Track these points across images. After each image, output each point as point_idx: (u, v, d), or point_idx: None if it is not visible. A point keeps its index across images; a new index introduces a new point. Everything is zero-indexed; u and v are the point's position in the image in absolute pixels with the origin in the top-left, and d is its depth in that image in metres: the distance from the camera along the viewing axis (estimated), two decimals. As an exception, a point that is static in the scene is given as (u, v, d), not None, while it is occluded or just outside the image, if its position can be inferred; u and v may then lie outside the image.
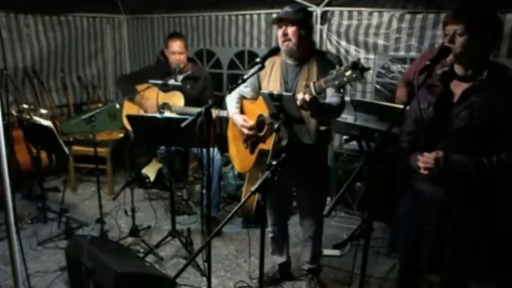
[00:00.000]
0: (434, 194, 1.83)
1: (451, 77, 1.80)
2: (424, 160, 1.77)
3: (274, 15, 2.32)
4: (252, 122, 2.43)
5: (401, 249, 2.04)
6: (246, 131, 2.44)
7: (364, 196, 3.51)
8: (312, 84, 1.99)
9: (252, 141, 2.50)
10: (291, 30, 2.19)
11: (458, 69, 1.78)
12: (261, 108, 2.36)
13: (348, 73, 1.77)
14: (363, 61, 3.76)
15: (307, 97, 1.95)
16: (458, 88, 1.77)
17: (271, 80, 2.37)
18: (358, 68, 1.74)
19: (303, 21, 2.22)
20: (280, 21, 2.22)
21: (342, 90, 2.22)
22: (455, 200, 1.80)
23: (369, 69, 1.82)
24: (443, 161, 1.72)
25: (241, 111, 2.58)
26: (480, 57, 1.72)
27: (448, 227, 1.83)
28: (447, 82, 1.81)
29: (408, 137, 1.95)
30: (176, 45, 3.43)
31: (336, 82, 1.84)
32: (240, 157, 2.66)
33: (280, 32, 2.23)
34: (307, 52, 2.30)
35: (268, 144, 2.35)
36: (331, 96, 2.22)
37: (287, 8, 2.21)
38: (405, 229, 1.98)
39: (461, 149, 1.73)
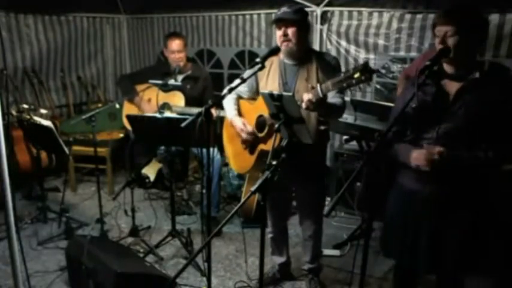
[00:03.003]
0: (427, 193, 1.83)
1: (440, 76, 1.81)
2: (428, 152, 1.74)
3: (274, 15, 2.34)
4: (250, 128, 2.44)
5: (395, 251, 2.03)
6: (244, 135, 2.45)
7: (361, 196, 3.51)
8: (318, 86, 2.00)
9: (251, 141, 2.49)
10: (291, 30, 2.20)
11: (448, 69, 1.79)
12: (259, 109, 2.36)
13: (357, 75, 1.78)
14: (363, 61, 3.79)
15: (313, 98, 1.97)
16: (451, 87, 1.78)
17: (270, 80, 2.38)
18: (368, 71, 1.74)
19: (302, 21, 2.24)
20: (280, 22, 2.22)
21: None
22: (450, 198, 1.80)
23: (378, 71, 1.84)
24: (446, 154, 1.72)
25: (239, 112, 2.58)
26: (470, 56, 1.76)
27: (443, 226, 1.83)
28: (437, 81, 1.81)
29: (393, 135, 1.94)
30: (175, 44, 3.43)
31: (344, 84, 1.85)
32: (238, 158, 2.65)
33: (280, 33, 2.23)
34: (305, 52, 2.31)
35: (269, 145, 2.34)
36: (332, 97, 2.23)
37: (285, 8, 2.21)
38: (398, 230, 1.97)
39: (458, 146, 1.73)
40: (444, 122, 1.77)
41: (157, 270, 2.64)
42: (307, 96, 2.00)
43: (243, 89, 2.52)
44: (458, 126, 1.74)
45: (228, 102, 2.56)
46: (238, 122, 2.48)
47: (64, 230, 3.36)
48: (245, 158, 2.55)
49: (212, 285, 2.44)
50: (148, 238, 3.32)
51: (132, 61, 5.42)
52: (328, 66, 2.27)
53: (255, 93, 2.51)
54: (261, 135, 2.40)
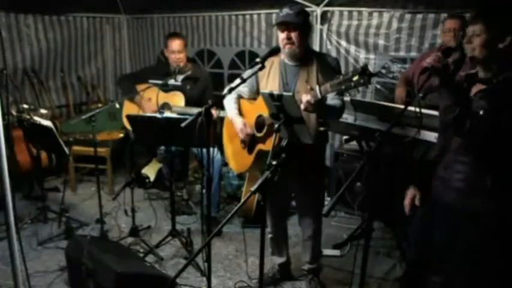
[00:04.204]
0: (445, 197, 1.82)
1: (475, 79, 1.76)
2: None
3: (274, 15, 2.34)
4: (250, 130, 2.45)
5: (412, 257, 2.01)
6: (242, 136, 2.46)
7: (364, 198, 3.50)
8: (317, 87, 2.01)
9: (249, 141, 2.50)
10: (294, 34, 2.21)
11: (480, 72, 1.74)
12: (259, 109, 2.36)
13: (356, 78, 1.79)
14: (363, 61, 3.79)
15: (311, 100, 1.99)
16: (475, 90, 1.73)
17: (270, 80, 2.38)
18: (366, 74, 1.75)
19: (305, 24, 2.24)
20: (283, 25, 2.22)
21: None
22: (465, 205, 1.78)
23: (376, 74, 1.84)
24: None
25: (239, 111, 2.58)
26: (500, 59, 1.66)
27: (455, 231, 1.81)
28: (471, 84, 1.76)
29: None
30: (175, 44, 3.43)
31: (343, 87, 1.87)
32: (237, 157, 2.65)
33: (283, 36, 2.23)
34: (306, 53, 2.31)
35: (267, 145, 2.35)
36: (331, 99, 2.24)
37: (287, 10, 2.20)
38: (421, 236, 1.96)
39: (469, 151, 1.71)
40: (458, 125, 1.70)
41: (157, 270, 2.64)
42: (305, 98, 2.01)
43: (244, 89, 2.52)
44: (467, 130, 1.66)
45: (229, 102, 2.57)
46: (238, 122, 2.48)
47: (64, 230, 3.36)
48: (243, 157, 2.55)
49: (212, 285, 2.44)
50: (148, 238, 3.32)
51: (132, 61, 5.42)
52: (328, 67, 2.28)
53: (255, 94, 2.52)
54: (259, 135, 2.41)
